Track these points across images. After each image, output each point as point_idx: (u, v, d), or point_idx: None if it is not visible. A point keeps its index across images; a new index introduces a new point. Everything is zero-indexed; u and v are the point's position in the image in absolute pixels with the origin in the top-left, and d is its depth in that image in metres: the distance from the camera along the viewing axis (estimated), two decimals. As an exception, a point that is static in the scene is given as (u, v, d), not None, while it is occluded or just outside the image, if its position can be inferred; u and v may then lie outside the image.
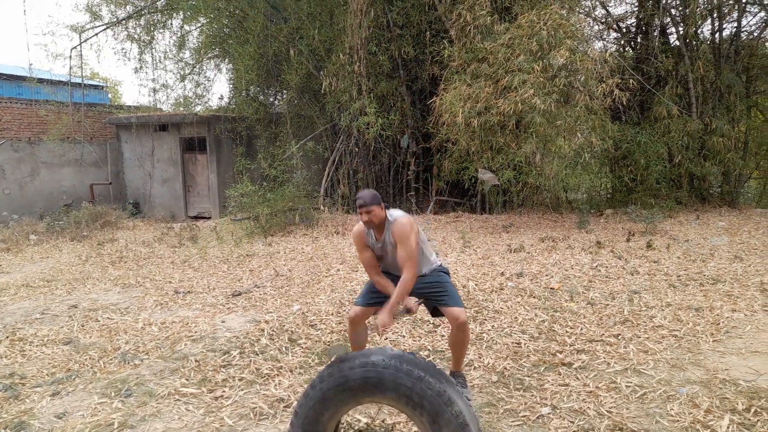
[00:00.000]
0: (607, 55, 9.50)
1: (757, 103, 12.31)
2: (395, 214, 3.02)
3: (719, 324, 4.37)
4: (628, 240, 8.11)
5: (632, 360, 3.72)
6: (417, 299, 3.09)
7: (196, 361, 3.98)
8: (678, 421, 2.90)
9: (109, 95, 20.81)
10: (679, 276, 5.95)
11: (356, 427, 2.88)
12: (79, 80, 13.96)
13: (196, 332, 4.67)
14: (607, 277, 6.01)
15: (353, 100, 11.26)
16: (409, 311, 2.99)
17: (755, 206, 11.89)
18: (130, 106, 16.25)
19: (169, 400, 3.36)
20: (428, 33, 11.15)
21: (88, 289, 6.51)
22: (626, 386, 3.32)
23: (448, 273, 3.25)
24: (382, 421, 2.97)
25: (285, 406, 3.21)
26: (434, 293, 3.10)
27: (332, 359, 3.73)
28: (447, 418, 2.20)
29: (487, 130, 9.28)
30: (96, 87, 18.15)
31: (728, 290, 5.32)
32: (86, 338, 4.63)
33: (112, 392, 3.48)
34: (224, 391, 3.45)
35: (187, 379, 3.66)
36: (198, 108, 14.63)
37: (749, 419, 2.87)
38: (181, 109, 14.94)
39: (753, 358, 3.68)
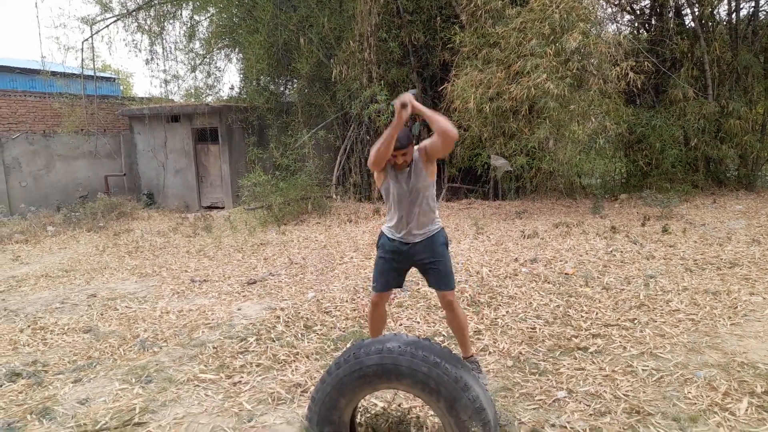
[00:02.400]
0: (621, 37, 9.35)
1: (775, 85, 12.04)
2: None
3: (737, 308, 4.33)
4: (643, 225, 8.04)
5: (649, 344, 3.70)
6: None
7: (213, 347, 4.04)
8: (695, 404, 2.89)
9: (121, 87, 20.96)
10: (696, 260, 5.89)
11: (373, 412, 2.91)
12: (91, 73, 14.06)
13: (213, 320, 4.73)
14: (622, 262, 5.97)
15: (364, 87, 11.21)
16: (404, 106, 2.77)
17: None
18: (142, 98, 16.34)
19: (189, 386, 3.41)
20: (439, 18, 11.04)
21: (105, 278, 6.61)
22: (643, 370, 3.31)
23: (447, 244, 3.19)
24: (398, 406, 3.00)
25: (302, 391, 3.25)
26: (427, 268, 3.13)
27: (348, 345, 3.77)
28: (464, 403, 2.21)
29: (499, 116, 9.21)
30: (108, 79, 18.29)
31: (746, 274, 5.27)
32: (105, 326, 4.71)
33: (132, 379, 3.55)
34: (242, 377, 3.50)
35: (205, 366, 3.72)
36: (209, 98, 14.67)
37: (768, 402, 2.86)
38: (192, 100, 14.99)
39: (772, 342, 3.65)
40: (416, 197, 3.04)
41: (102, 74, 17.56)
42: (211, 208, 13.78)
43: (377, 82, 11.12)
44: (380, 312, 3.31)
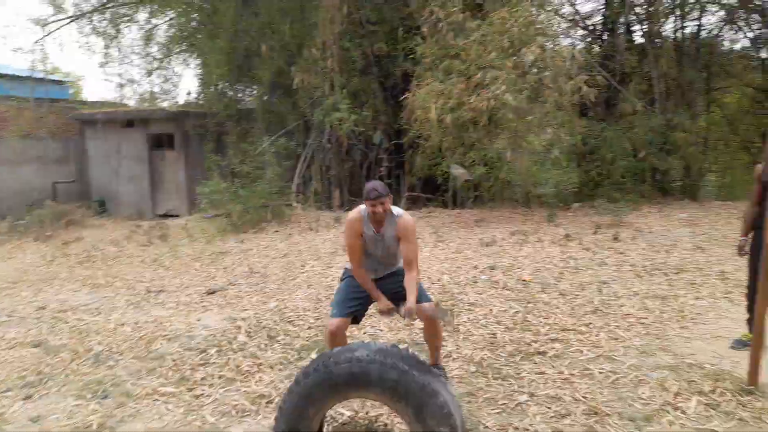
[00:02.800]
0: (576, 51, 9.69)
1: (716, 100, 12.77)
2: (398, 210, 3.06)
3: (684, 311, 4.56)
4: (595, 233, 8.31)
5: (604, 347, 3.85)
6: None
7: (173, 360, 3.94)
8: (649, 403, 3.03)
9: (71, 90, 20.18)
10: (645, 266, 6.15)
11: (340, 421, 2.91)
12: (40, 75, 13.49)
13: (171, 331, 4.62)
14: (576, 269, 6.17)
15: (326, 96, 11.20)
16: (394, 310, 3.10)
17: (714, 199, 12.33)
18: (94, 102, 15.78)
19: (148, 400, 3.32)
20: (401, 29, 11.17)
21: (55, 290, 6.34)
22: (599, 372, 3.44)
23: None
24: (366, 414, 3.00)
25: (267, 402, 3.22)
26: (399, 291, 3.11)
27: (313, 355, 3.75)
28: (432, 409, 2.24)
29: (459, 127, 9.36)
30: (58, 82, 17.58)
31: (691, 279, 5.54)
32: (56, 340, 4.53)
33: (87, 394, 3.42)
34: (204, 390, 3.43)
35: (165, 379, 3.62)
36: (165, 104, 14.32)
37: (715, 400, 3.02)
38: (146, 104, 14.59)
39: (716, 343, 3.86)
40: (385, 260, 3.19)
41: (52, 77, 16.87)
42: (166, 216, 13.39)
43: (339, 90, 11.13)
44: (340, 343, 3.00)
